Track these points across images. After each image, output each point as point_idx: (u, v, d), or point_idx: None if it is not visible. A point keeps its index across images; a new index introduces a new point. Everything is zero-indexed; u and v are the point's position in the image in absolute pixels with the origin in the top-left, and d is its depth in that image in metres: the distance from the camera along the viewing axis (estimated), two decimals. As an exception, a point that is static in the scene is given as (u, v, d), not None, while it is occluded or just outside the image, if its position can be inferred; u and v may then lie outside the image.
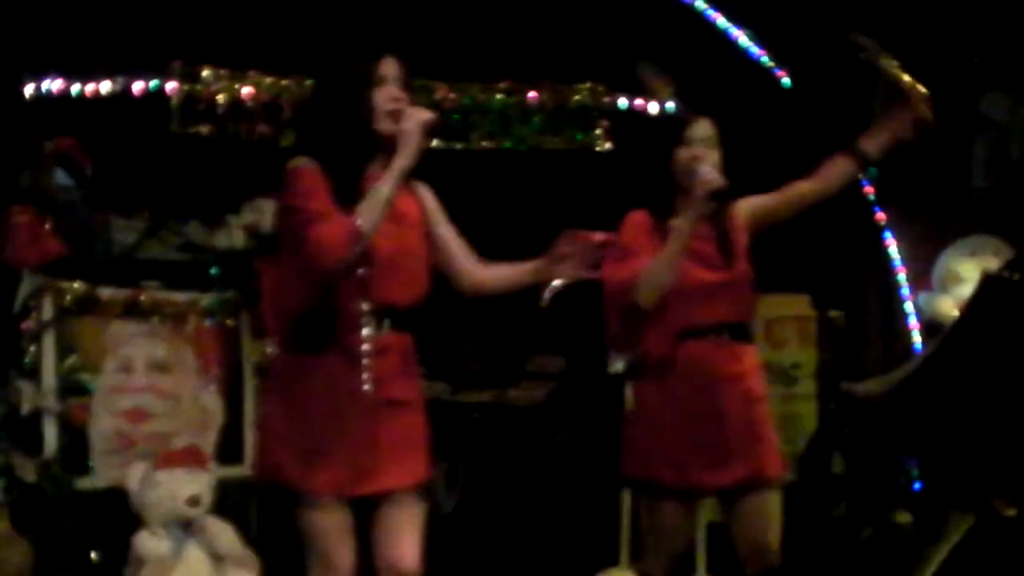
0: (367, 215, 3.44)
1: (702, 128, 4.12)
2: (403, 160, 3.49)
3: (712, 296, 4.08)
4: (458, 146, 5.83)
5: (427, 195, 3.77)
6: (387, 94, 3.54)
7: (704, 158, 4.06)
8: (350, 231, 3.42)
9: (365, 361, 3.54)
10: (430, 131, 3.53)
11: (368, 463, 3.53)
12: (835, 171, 4.20)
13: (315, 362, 3.54)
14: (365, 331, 3.54)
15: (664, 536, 4.11)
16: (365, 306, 3.53)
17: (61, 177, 5.32)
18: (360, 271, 3.51)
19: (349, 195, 3.49)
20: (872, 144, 4.17)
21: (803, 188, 4.22)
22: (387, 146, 3.55)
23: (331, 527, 3.55)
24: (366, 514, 3.65)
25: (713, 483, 4.06)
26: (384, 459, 3.55)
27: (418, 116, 3.52)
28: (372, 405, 3.53)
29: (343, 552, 3.57)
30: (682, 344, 4.06)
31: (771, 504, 4.13)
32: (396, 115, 3.53)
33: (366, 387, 3.53)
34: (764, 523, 4.11)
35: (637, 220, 4.15)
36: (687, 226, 3.99)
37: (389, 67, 3.56)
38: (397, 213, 3.58)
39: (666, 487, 4.05)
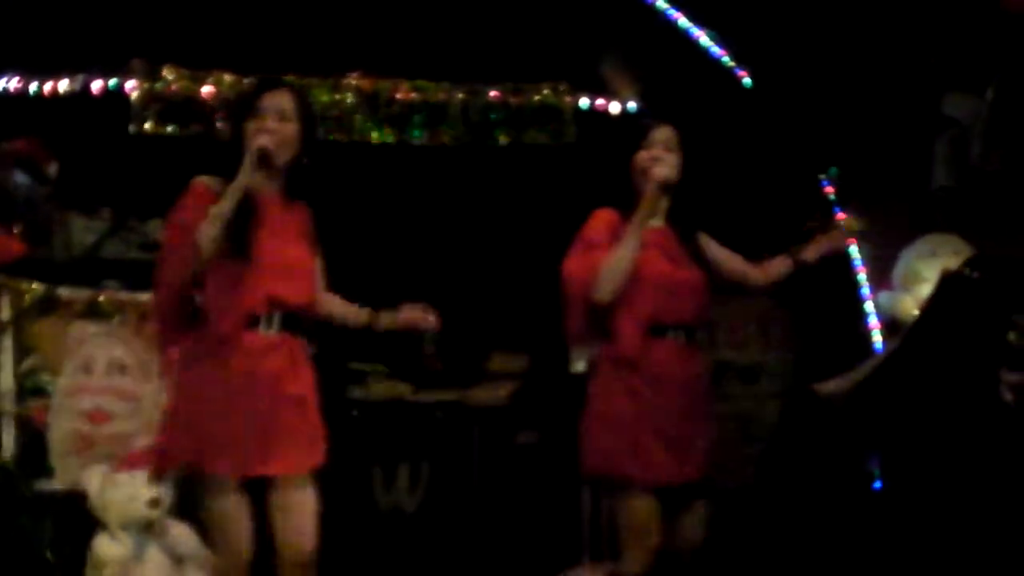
0: (203, 232, 3.78)
1: (662, 132, 4.30)
2: (238, 181, 3.81)
3: (676, 293, 4.25)
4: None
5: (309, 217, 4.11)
6: (256, 124, 3.88)
7: (664, 160, 4.23)
8: (189, 245, 3.80)
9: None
10: (262, 157, 3.83)
11: (261, 448, 3.84)
12: (775, 269, 4.52)
13: (213, 355, 3.87)
14: (259, 330, 3.88)
15: (641, 532, 4.19)
16: (256, 307, 3.87)
17: (20, 177, 5.28)
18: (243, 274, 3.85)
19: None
20: (811, 253, 4.53)
21: (748, 272, 4.51)
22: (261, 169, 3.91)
23: (229, 507, 3.85)
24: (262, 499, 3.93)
25: (677, 478, 4.20)
26: (276, 445, 3.86)
27: (252, 142, 3.84)
28: (265, 396, 3.86)
29: (240, 531, 3.86)
30: (648, 342, 4.21)
31: (704, 504, 4.32)
32: (256, 143, 3.86)
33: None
34: (701, 521, 4.30)
35: (603, 217, 4.31)
36: (640, 221, 4.18)
37: (270, 99, 3.92)
38: (282, 224, 3.96)
39: (635, 482, 4.16)
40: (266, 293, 3.87)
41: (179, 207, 3.92)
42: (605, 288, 4.15)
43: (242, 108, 3.96)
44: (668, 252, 4.29)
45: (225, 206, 3.79)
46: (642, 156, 4.26)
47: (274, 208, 3.96)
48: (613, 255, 4.16)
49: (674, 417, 4.21)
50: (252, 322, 3.88)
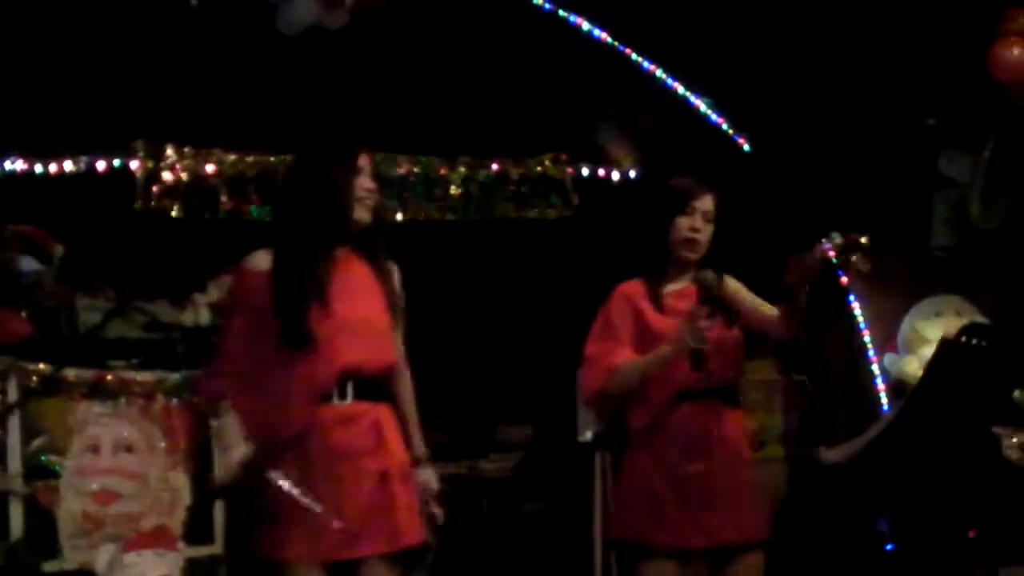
0: None
1: (706, 202, 4.17)
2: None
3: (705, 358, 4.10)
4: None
5: (395, 273, 3.87)
6: (363, 184, 3.74)
7: (703, 231, 4.15)
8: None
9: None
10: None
11: (339, 531, 3.57)
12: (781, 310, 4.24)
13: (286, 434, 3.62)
14: (333, 402, 3.63)
15: None
16: (326, 379, 3.62)
17: (26, 261, 5.30)
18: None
19: (308, 281, 3.64)
20: (792, 277, 4.09)
21: (772, 319, 4.20)
22: (352, 232, 3.75)
23: None
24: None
25: (706, 543, 4.08)
26: (357, 527, 3.60)
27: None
28: (343, 474, 3.61)
29: None
30: (675, 407, 4.10)
31: (758, 566, 4.17)
32: (367, 204, 3.75)
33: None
34: None
35: (626, 293, 4.18)
36: (666, 355, 4.03)
37: (365, 159, 3.78)
38: (357, 283, 3.72)
39: (659, 549, 4.07)
40: (335, 359, 3.62)
41: (230, 293, 3.82)
42: (618, 388, 4.09)
43: (347, 168, 3.74)
44: None
45: None
46: (681, 223, 4.13)
47: (339, 269, 3.70)
48: (632, 365, 4.07)
49: (704, 480, 4.08)
50: (324, 396, 3.63)
